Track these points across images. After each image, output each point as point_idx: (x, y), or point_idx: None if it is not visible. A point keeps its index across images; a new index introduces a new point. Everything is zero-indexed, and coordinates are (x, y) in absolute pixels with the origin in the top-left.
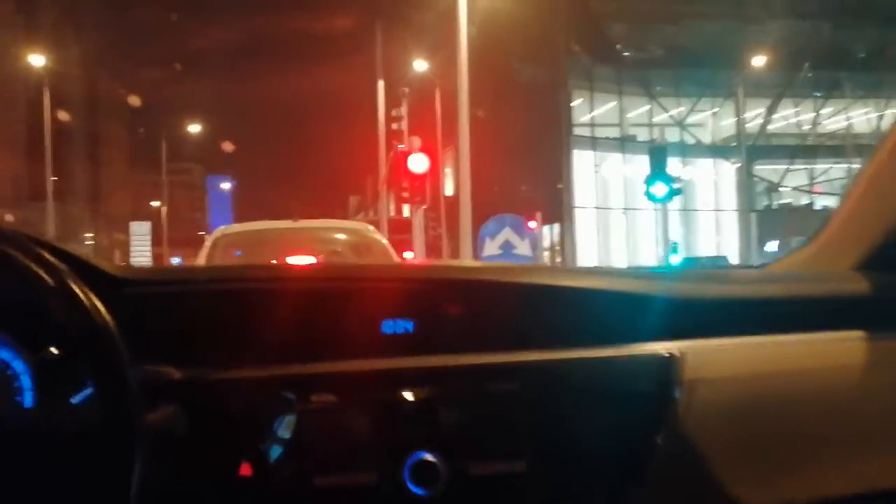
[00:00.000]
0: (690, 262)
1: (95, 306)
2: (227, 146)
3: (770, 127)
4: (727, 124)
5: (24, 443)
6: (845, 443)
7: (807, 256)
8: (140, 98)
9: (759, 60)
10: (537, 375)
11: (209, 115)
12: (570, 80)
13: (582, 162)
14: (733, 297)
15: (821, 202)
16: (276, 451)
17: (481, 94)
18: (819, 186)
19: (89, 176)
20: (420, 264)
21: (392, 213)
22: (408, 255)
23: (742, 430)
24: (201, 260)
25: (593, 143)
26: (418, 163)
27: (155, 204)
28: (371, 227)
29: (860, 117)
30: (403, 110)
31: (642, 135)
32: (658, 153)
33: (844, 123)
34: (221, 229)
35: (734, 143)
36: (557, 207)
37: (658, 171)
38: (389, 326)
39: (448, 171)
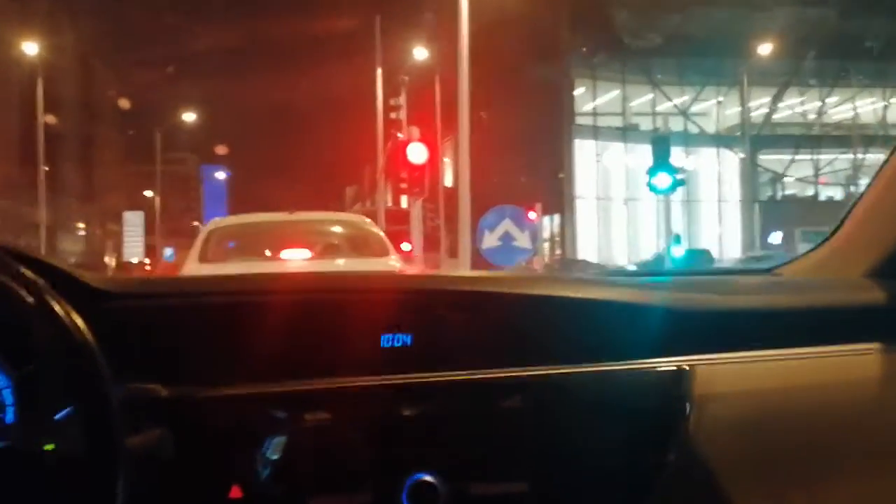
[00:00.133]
0: (693, 254)
1: (75, 323)
2: (223, 147)
3: (775, 116)
4: (731, 113)
5: (5, 460)
6: (859, 459)
7: (817, 261)
8: (134, 90)
9: (764, 49)
10: (541, 391)
11: (204, 104)
12: (573, 68)
13: (583, 152)
14: (743, 309)
15: (825, 193)
16: (267, 473)
17: (482, 83)
18: (824, 177)
19: (83, 165)
20: (418, 275)
21: (389, 204)
22: (405, 246)
23: (753, 446)
24: (194, 252)
25: (595, 132)
26: (417, 153)
27: (148, 194)
28: (368, 220)
29: (866, 107)
30: (402, 99)
31: (645, 124)
32: (661, 143)
33: (850, 113)
34: (215, 221)
35: (738, 133)
36: (558, 198)
37: (661, 162)
38: (387, 340)
39: (447, 161)
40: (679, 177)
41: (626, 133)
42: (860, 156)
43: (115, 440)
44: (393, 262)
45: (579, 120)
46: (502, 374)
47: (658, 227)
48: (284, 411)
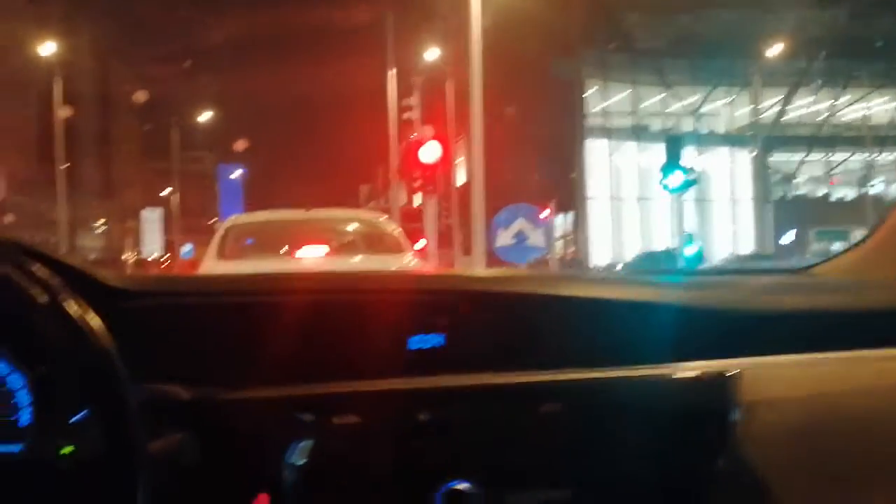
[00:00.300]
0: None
1: (90, 323)
2: (240, 145)
3: (786, 117)
4: (742, 114)
5: (21, 462)
6: None
7: (852, 262)
8: (152, 87)
9: (774, 49)
10: (581, 396)
11: (220, 103)
12: (584, 69)
13: (595, 151)
14: (788, 310)
15: (837, 193)
16: (293, 479)
17: (494, 83)
18: (836, 177)
19: (101, 163)
20: (445, 274)
21: (403, 202)
22: (419, 244)
23: (805, 453)
24: (213, 249)
25: (607, 132)
26: (430, 152)
27: (167, 191)
28: (384, 217)
29: (878, 107)
30: (415, 99)
31: (656, 124)
32: (674, 143)
33: (862, 113)
34: (233, 218)
35: (750, 133)
36: (570, 197)
37: (673, 161)
38: (417, 342)
39: (460, 160)
40: (691, 176)
41: (638, 133)
42: (872, 156)
43: (135, 444)
44: (409, 260)
45: (591, 120)
46: (539, 378)
47: (670, 226)
48: (311, 414)
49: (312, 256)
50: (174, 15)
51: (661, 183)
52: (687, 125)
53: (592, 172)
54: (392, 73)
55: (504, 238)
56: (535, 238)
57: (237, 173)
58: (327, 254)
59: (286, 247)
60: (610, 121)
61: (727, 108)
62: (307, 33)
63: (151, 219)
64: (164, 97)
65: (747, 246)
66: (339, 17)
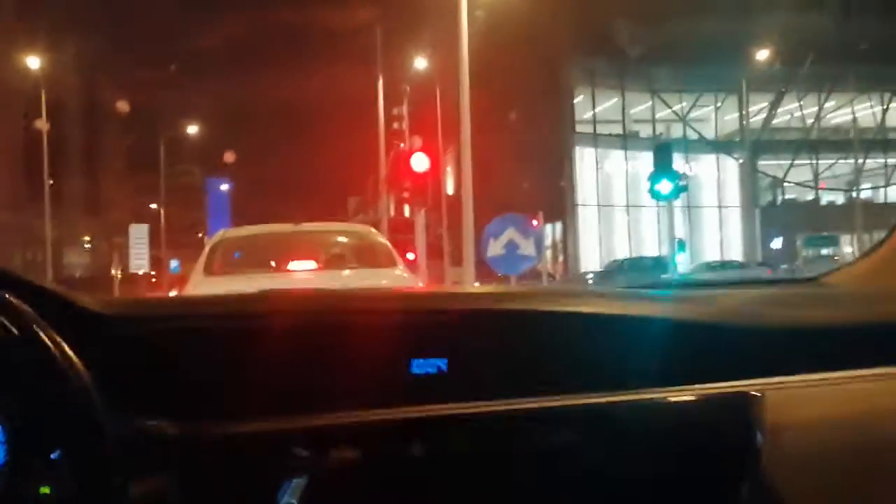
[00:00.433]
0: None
1: (65, 354)
2: (229, 156)
3: (774, 122)
4: (730, 119)
5: None
6: None
7: (864, 270)
8: (138, 101)
9: (761, 55)
10: (593, 422)
11: (208, 116)
12: (572, 76)
13: (584, 159)
14: (810, 325)
15: (826, 197)
16: None
17: (482, 92)
18: (824, 182)
19: (88, 179)
20: (448, 292)
21: (392, 214)
22: (409, 255)
23: (835, 479)
24: (200, 265)
25: (595, 139)
26: (419, 163)
27: (154, 206)
28: (373, 230)
29: (865, 111)
30: (404, 109)
31: (645, 131)
32: (663, 150)
33: (849, 117)
34: (221, 233)
35: (738, 139)
36: (559, 205)
37: (663, 168)
38: (420, 366)
39: (449, 169)
40: (681, 183)
41: (627, 140)
42: (860, 160)
43: (113, 484)
44: (399, 273)
45: (579, 128)
46: (550, 404)
47: (659, 233)
48: (305, 449)
49: (302, 270)
50: (160, 29)
51: (650, 190)
52: (675, 131)
53: (582, 180)
54: (380, 84)
55: (495, 248)
56: (526, 247)
57: (225, 187)
58: (317, 268)
59: (275, 261)
60: (598, 128)
61: (715, 114)
62: (295, 46)
63: (139, 234)
64: (151, 111)
65: (736, 252)
66: (327, 29)
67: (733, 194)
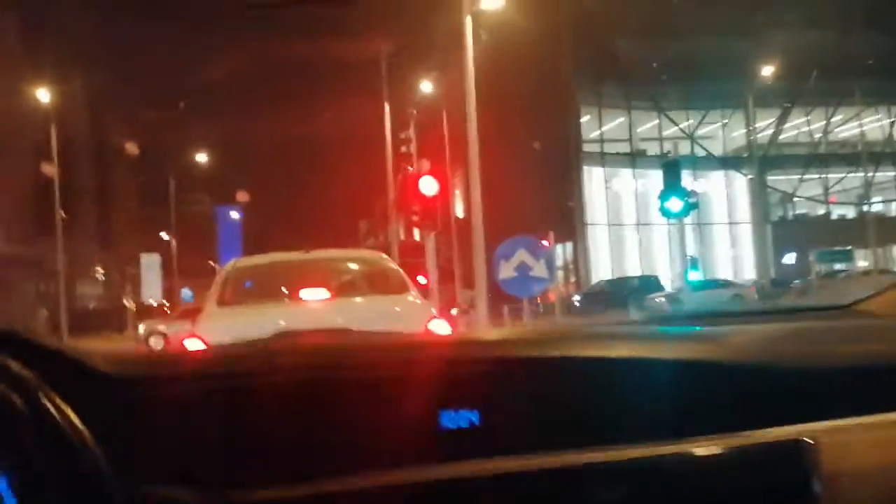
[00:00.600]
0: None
1: (73, 423)
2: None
3: (781, 137)
4: (737, 136)
5: None
6: None
7: None
8: (148, 132)
9: (767, 70)
10: (641, 476)
11: (216, 145)
12: (578, 96)
13: (592, 179)
14: (862, 362)
15: (837, 211)
16: None
17: (489, 114)
18: (834, 196)
19: (99, 211)
20: (478, 337)
21: (402, 237)
22: (420, 279)
23: None
24: (213, 295)
25: (603, 159)
26: (428, 186)
27: (165, 236)
28: (384, 256)
29: (872, 124)
30: (412, 133)
31: (652, 149)
32: (672, 168)
33: (856, 131)
34: (233, 263)
35: (746, 154)
36: (569, 225)
37: (672, 186)
38: (450, 419)
39: (458, 192)
40: (691, 200)
41: (635, 158)
42: (870, 173)
43: None
44: (412, 299)
45: (587, 147)
46: (592, 457)
47: (670, 250)
48: None
49: (314, 299)
50: (169, 63)
51: (660, 208)
52: (683, 149)
53: (591, 199)
54: (387, 109)
55: (507, 270)
56: (538, 269)
57: (235, 215)
58: (329, 296)
59: (287, 290)
60: (606, 147)
61: (722, 131)
62: (301, 75)
63: (151, 264)
64: (161, 145)
65: (748, 268)
66: (333, 58)
67: (743, 210)
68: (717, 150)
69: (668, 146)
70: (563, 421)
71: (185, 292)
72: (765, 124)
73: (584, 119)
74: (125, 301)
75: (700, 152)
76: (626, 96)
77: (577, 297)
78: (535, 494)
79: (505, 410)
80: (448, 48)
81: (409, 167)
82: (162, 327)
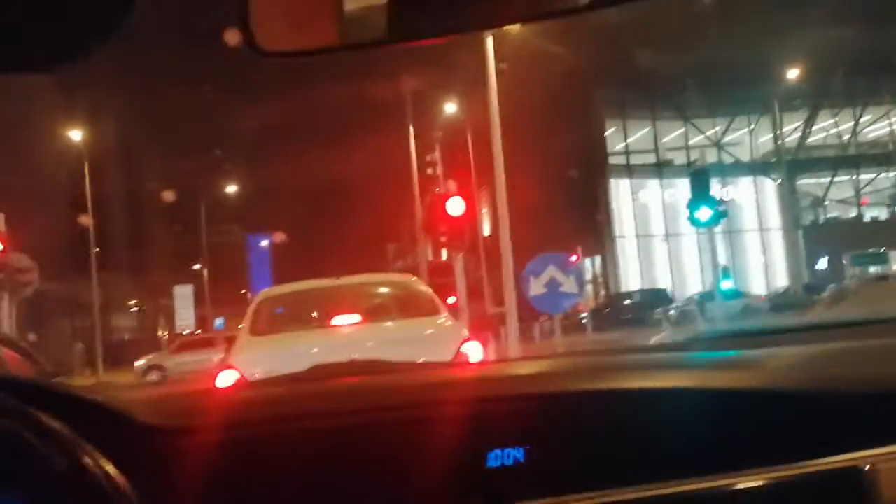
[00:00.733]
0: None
1: (112, 480)
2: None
3: (809, 139)
4: (765, 141)
5: None
6: None
7: None
8: (180, 171)
9: (792, 73)
10: None
11: (246, 178)
12: (602, 108)
13: (619, 190)
14: None
15: (870, 213)
16: None
17: (512, 130)
18: (866, 197)
19: (131, 245)
20: (519, 370)
21: (430, 258)
22: (450, 299)
23: None
24: (246, 325)
25: (629, 170)
26: (455, 206)
27: (197, 266)
28: (414, 278)
29: None
30: (437, 155)
31: (679, 158)
32: (700, 176)
33: (886, 130)
34: (264, 292)
35: (774, 159)
36: (598, 239)
37: (701, 195)
38: (496, 458)
39: (485, 210)
40: (720, 208)
41: (661, 169)
42: None
43: None
44: (443, 321)
45: (613, 159)
46: (644, 493)
47: (701, 260)
48: None
49: (347, 324)
50: (202, 97)
51: (689, 217)
52: (710, 157)
53: (618, 211)
54: (411, 131)
55: (537, 287)
56: (568, 285)
57: (265, 243)
58: (361, 320)
59: (319, 316)
60: (632, 158)
61: (749, 137)
62: (328, 100)
63: (183, 294)
64: (192, 176)
65: (781, 275)
66: (358, 84)
67: (774, 216)
68: (745, 156)
69: (694, 155)
70: (611, 455)
71: (217, 321)
72: (792, 128)
73: (609, 131)
74: (159, 332)
75: (727, 159)
76: (651, 106)
77: (584, 316)
78: None
79: (552, 447)
80: (471, 67)
81: (436, 189)
82: (160, 362)
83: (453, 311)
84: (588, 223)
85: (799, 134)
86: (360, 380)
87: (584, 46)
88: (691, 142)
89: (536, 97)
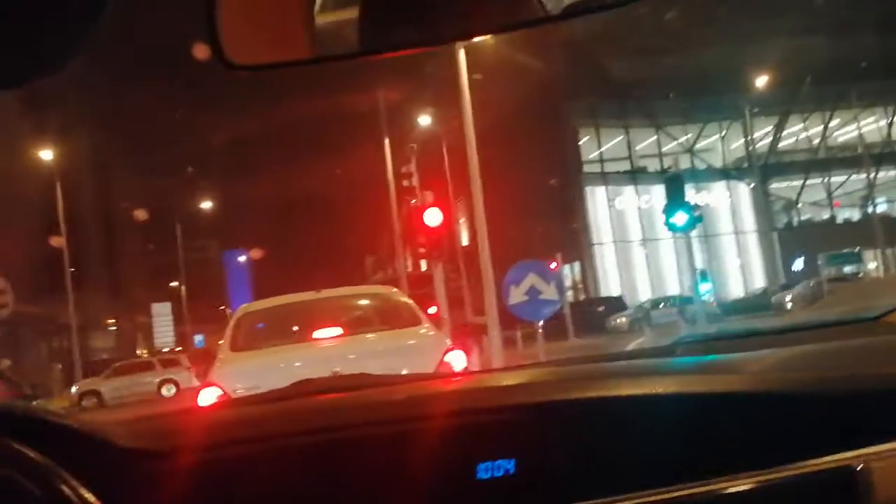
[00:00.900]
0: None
1: (87, 501)
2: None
3: (780, 144)
4: (737, 146)
5: None
6: None
7: None
8: (155, 189)
9: (762, 80)
10: None
11: (221, 194)
12: (575, 117)
13: (595, 198)
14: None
15: (842, 215)
16: None
17: (487, 141)
18: (838, 200)
19: (107, 263)
20: (505, 381)
21: (410, 269)
22: (431, 310)
23: None
24: (226, 341)
25: (604, 178)
26: (433, 217)
27: (175, 283)
28: (395, 289)
29: (870, 125)
30: (413, 166)
31: (653, 165)
32: (674, 182)
33: (855, 133)
34: (244, 308)
35: (746, 164)
36: (576, 246)
37: (676, 200)
38: (486, 470)
39: (462, 220)
40: (696, 213)
41: (636, 176)
42: (871, 174)
43: None
44: (425, 331)
45: (587, 167)
46: (636, 500)
47: (679, 264)
48: None
49: (328, 337)
50: (173, 114)
51: (666, 223)
52: (683, 163)
53: (595, 219)
54: (387, 143)
55: (517, 295)
56: (548, 292)
57: (243, 258)
58: (342, 333)
59: (300, 330)
60: (606, 166)
61: (721, 143)
62: (301, 117)
63: (162, 312)
64: (167, 195)
65: (758, 276)
66: (332, 99)
67: (749, 220)
68: (718, 162)
69: (668, 161)
70: (602, 463)
71: (197, 338)
72: (763, 133)
73: (583, 140)
74: (137, 350)
75: (701, 165)
76: (623, 115)
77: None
78: None
79: (542, 457)
80: (444, 80)
81: (413, 200)
82: (96, 387)
83: (434, 321)
84: (565, 231)
85: (770, 139)
86: (346, 395)
87: (555, 57)
88: (664, 149)
89: (510, 107)
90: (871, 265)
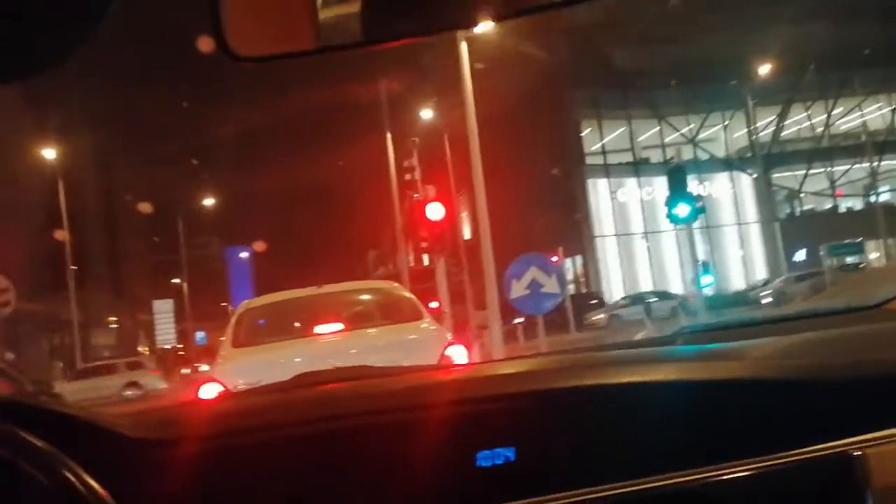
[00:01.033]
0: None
1: (97, 496)
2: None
3: (783, 133)
4: (739, 136)
5: None
6: None
7: None
8: (156, 183)
9: (764, 69)
10: (692, 502)
11: (223, 188)
12: (577, 109)
13: (597, 190)
14: None
15: (845, 204)
16: None
17: (490, 133)
18: (841, 189)
19: (109, 261)
20: (506, 370)
21: (412, 263)
22: (433, 304)
23: None
24: (228, 338)
25: (607, 170)
26: (435, 211)
27: (177, 280)
28: (396, 284)
29: (873, 113)
30: (415, 160)
31: (655, 157)
32: (677, 173)
33: (858, 122)
34: (245, 304)
35: (749, 154)
36: (578, 239)
37: (679, 192)
38: (486, 458)
39: (464, 214)
40: (698, 205)
41: (638, 167)
42: (874, 163)
43: None
44: (426, 325)
45: (590, 159)
46: (635, 487)
47: (681, 256)
48: None
49: (330, 332)
50: (177, 107)
51: (668, 215)
52: (686, 154)
53: (597, 211)
54: (389, 137)
55: (518, 289)
56: (550, 285)
57: (245, 254)
58: (343, 328)
59: (302, 326)
60: (609, 158)
61: (724, 133)
62: (304, 112)
63: (163, 310)
64: (167, 190)
65: (760, 268)
66: (333, 91)
67: (751, 210)
68: (720, 152)
69: (670, 152)
70: (601, 451)
71: (199, 334)
72: (765, 122)
73: (585, 131)
74: (139, 348)
75: (703, 156)
76: (625, 105)
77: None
78: None
79: (542, 445)
80: (446, 72)
81: (415, 194)
82: (56, 390)
83: (436, 315)
84: (568, 223)
85: (773, 128)
86: (347, 385)
87: (557, 47)
88: (667, 139)
89: (512, 98)
90: (874, 255)
